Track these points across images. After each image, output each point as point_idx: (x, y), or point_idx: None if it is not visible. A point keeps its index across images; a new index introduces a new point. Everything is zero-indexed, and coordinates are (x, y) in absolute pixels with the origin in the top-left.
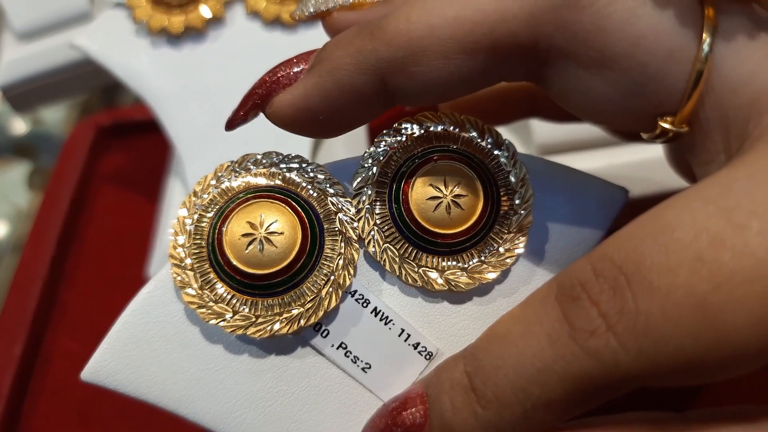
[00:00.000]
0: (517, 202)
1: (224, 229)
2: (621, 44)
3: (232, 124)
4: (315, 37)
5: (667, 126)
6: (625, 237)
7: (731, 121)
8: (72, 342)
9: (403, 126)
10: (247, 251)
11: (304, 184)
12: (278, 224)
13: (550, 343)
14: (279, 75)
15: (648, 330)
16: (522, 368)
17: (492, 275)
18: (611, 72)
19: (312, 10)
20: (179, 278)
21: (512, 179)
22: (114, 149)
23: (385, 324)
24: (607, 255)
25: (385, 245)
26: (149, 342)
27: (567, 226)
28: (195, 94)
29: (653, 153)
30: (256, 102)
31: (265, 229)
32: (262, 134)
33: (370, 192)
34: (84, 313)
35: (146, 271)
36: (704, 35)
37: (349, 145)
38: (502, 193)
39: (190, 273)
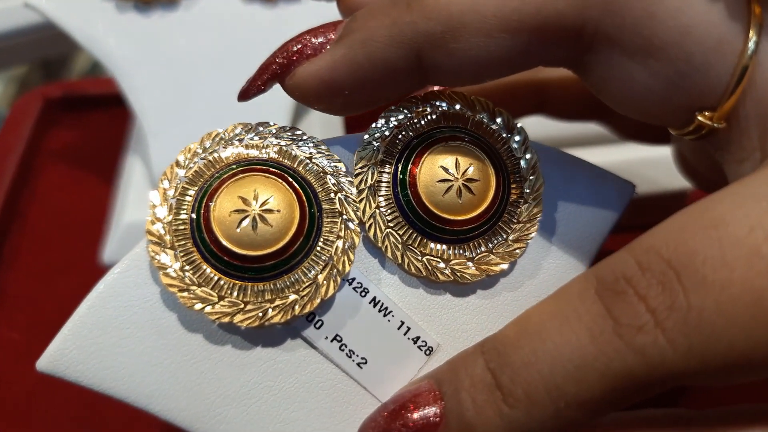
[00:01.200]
0: (527, 190)
1: (212, 204)
2: (670, 32)
3: (246, 95)
4: (296, 13)
5: (705, 121)
6: (672, 230)
7: None
8: (11, 331)
9: (411, 103)
10: (238, 229)
11: (301, 159)
12: (274, 201)
13: (591, 339)
14: (303, 44)
15: (700, 326)
16: (558, 365)
17: (502, 266)
18: (656, 61)
19: None
20: (157, 257)
21: (523, 165)
22: (63, 124)
23: (384, 316)
24: (653, 248)
25: (387, 230)
26: (119, 328)
27: (574, 219)
28: (163, 65)
29: (644, 153)
30: (275, 71)
31: (260, 206)
32: (235, 111)
33: (373, 171)
34: (25, 300)
35: (100, 256)
36: (751, 31)
37: (326, 130)
38: (512, 180)
39: (171, 252)
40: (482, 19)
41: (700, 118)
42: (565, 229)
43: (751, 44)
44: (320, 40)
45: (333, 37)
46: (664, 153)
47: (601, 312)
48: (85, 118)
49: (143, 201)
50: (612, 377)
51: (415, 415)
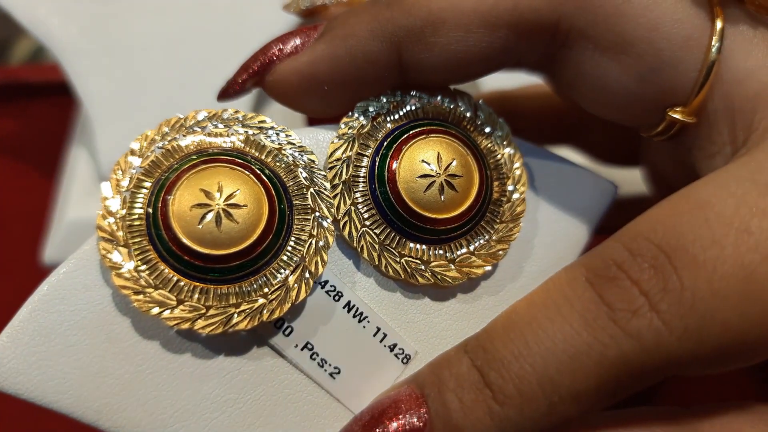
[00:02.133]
0: (509, 188)
1: (170, 197)
2: (640, 29)
3: (226, 94)
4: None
5: (676, 116)
6: (659, 215)
7: (738, 112)
8: None
9: (389, 93)
10: (200, 226)
11: (270, 150)
12: (240, 195)
13: (585, 326)
14: (283, 43)
15: (694, 306)
16: (551, 356)
17: (485, 268)
18: (627, 57)
19: (308, 4)
20: (109, 256)
21: (505, 162)
22: (2, 113)
23: (359, 321)
24: (641, 234)
25: (363, 229)
26: (64, 335)
27: (557, 219)
28: (113, 50)
29: None
30: (255, 70)
31: (225, 200)
32: (191, 100)
33: (348, 165)
34: None
35: (41, 256)
36: (717, 27)
37: (287, 123)
38: (494, 177)
39: (124, 250)
40: (461, 15)
41: (671, 114)
42: (547, 229)
43: (715, 41)
44: (301, 40)
45: (314, 36)
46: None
47: (593, 298)
48: (25, 108)
49: (88, 196)
50: (608, 366)
51: (396, 423)
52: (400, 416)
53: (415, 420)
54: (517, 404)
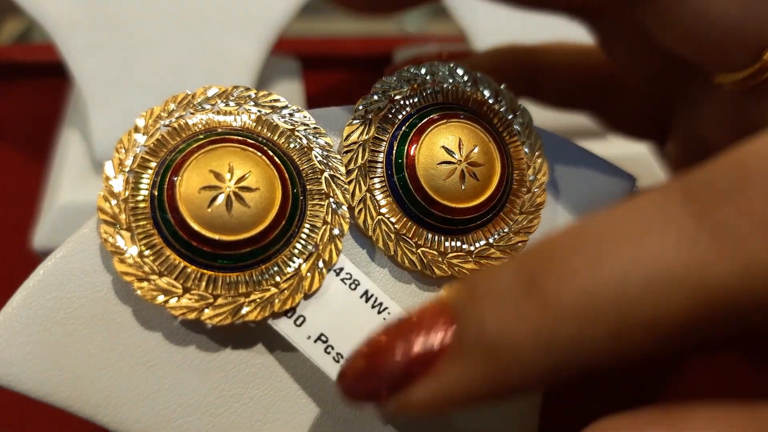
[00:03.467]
0: (530, 178)
1: (177, 178)
2: None
3: None
4: None
5: None
6: (754, 148)
7: None
8: None
9: (409, 73)
10: (209, 209)
11: (283, 131)
12: (252, 177)
13: (685, 244)
14: None
15: None
16: (631, 273)
17: (504, 261)
18: None
19: None
20: (111, 240)
21: (526, 150)
22: None
23: (379, 313)
24: (739, 161)
25: (379, 217)
26: (61, 324)
27: (575, 210)
28: (107, 25)
29: (629, 150)
30: None
31: (236, 183)
32: (192, 79)
33: (364, 149)
34: None
35: (31, 241)
36: None
37: None
38: (514, 166)
39: (126, 234)
40: None
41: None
42: (566, 220)
43: None
44: None
45: None
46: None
47: (693, 218)
48: (13, 89)
49: (81, 180)
50: (705, 294)
51: (421, 339)
52: (425, 333)
53: (443, 337)
54: (573, 325)
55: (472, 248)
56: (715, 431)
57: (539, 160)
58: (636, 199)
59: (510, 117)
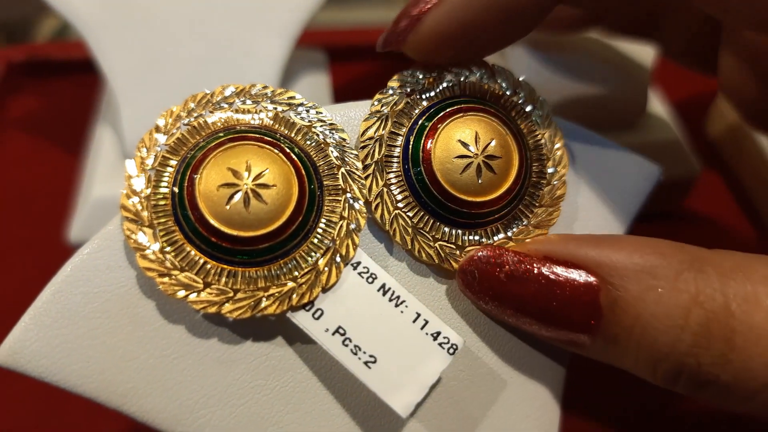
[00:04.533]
0: (549, 170)
1: (197, 176)
2: None
3: (389, 43)
4: None
5: None
6: None
7: None
8: None
9: (423, 68)
10: (227, 206)
11: (300, 127)
12: (269, 174)
13: None
14: None
15: None
16: None
17: None
18: None
19: None
20: (133, 237)
21: (545, 143)
22: (27, 90)
23: (396, 306)
24: None
25: (396, 212)
26: (88, 318)
27: (596, 203)
28: (135, 23)
29: (651, 138)
30: (414, 15)
31: (253, 180)
32: (217, 77)
33: (381, 144)
34: None
35: (66, 234)
36: None
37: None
38: (533, 158)
39: (149, 231)
40: None
41: None
42: (587, 214)
43: None
44: None
45: None
46: (670, 138)
47: None
48: (50, 85)
49: (114, 174)
50: None
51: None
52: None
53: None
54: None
55: (490, 242)
56: (640, 254)
57: (559, 152)
58: None
59: (529, 109)
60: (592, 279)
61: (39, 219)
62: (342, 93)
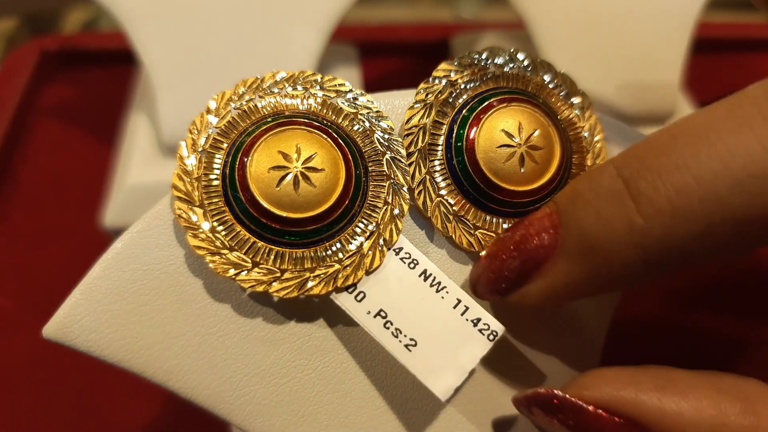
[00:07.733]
0: (589, 163)
1: (248, 159)
2: None
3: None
4: None
5: None
6: None
7: None
8: (1, 298)
9: (470, 57)
10: (278, 188)
11: (347, 114)
12: (318, 158)
13: None
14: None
15: None
16: (727, 171)
17: None
18: None
19: None
20: (185, 216)
21: (585, 135)
22: (61, 79)
23: (437, 291)
24: None
25: (438, 199)
26: (137, 295)
27: None
28: (175, 15)
29: None
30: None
31: (303, 163)
32: (255, 66)
33: (424, 133)
34: (16, 266)
35: (101, 220)
36: None
37: None
38: (573, 151)
39: (200, 210)
40: None
41: None
42: None
43: None
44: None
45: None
46: None
47: None
48: (83, 75)
49: (148, 162)
50: None
51: (530, 239)
52: (537, 236)
53: (546, 235)
54: (666, 221)
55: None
56: (706, 401)
57: (598, 145)
58: (736, 96)
59: (570, 101)
60: None
61: (73, 205)
62: (371, 87)
